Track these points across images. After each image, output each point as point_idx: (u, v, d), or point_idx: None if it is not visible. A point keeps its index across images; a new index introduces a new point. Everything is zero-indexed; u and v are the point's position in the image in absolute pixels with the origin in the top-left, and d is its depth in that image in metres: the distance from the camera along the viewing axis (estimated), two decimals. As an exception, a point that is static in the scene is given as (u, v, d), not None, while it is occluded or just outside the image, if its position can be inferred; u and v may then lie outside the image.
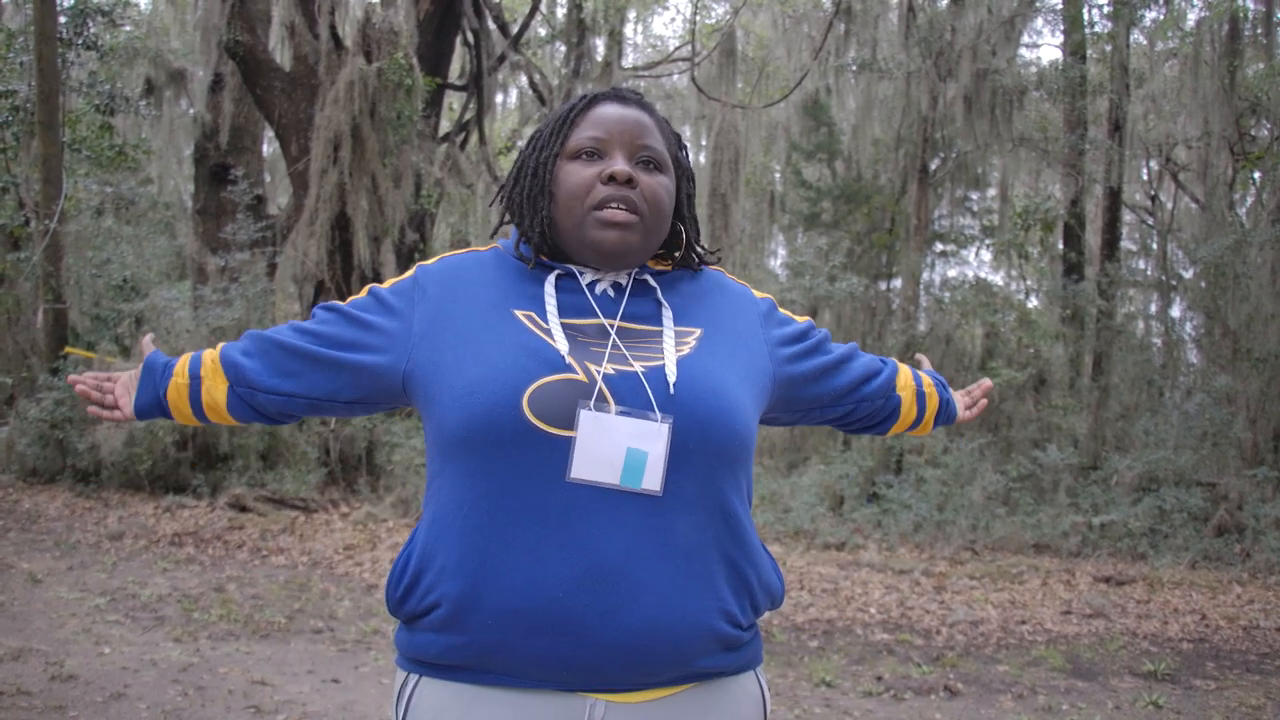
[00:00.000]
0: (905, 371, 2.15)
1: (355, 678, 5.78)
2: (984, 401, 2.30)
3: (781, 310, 1.94)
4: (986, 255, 19.42)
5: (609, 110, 1.76)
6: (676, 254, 1.86)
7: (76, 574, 7.79)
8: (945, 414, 2.21)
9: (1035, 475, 11.52)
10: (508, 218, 1.85)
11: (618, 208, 1.69)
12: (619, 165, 1.70)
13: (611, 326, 1.70)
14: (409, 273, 1.81)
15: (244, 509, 10.14)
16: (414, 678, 1.67)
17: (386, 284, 1.81)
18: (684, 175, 1.85)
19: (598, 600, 1.54)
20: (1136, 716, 5.71)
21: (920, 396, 2.15)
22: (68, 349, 11.50)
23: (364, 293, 1.82)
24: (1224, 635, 7.64)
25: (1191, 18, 14.45)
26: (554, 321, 1.67)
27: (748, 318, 1.84)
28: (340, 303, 1.83)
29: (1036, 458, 11.63)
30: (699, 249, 1.89)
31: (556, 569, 1.54)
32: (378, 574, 8.39)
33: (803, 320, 1.95)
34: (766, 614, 1.79)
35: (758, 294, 1.93)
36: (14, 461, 11.15)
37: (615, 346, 1.67)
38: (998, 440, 12.61)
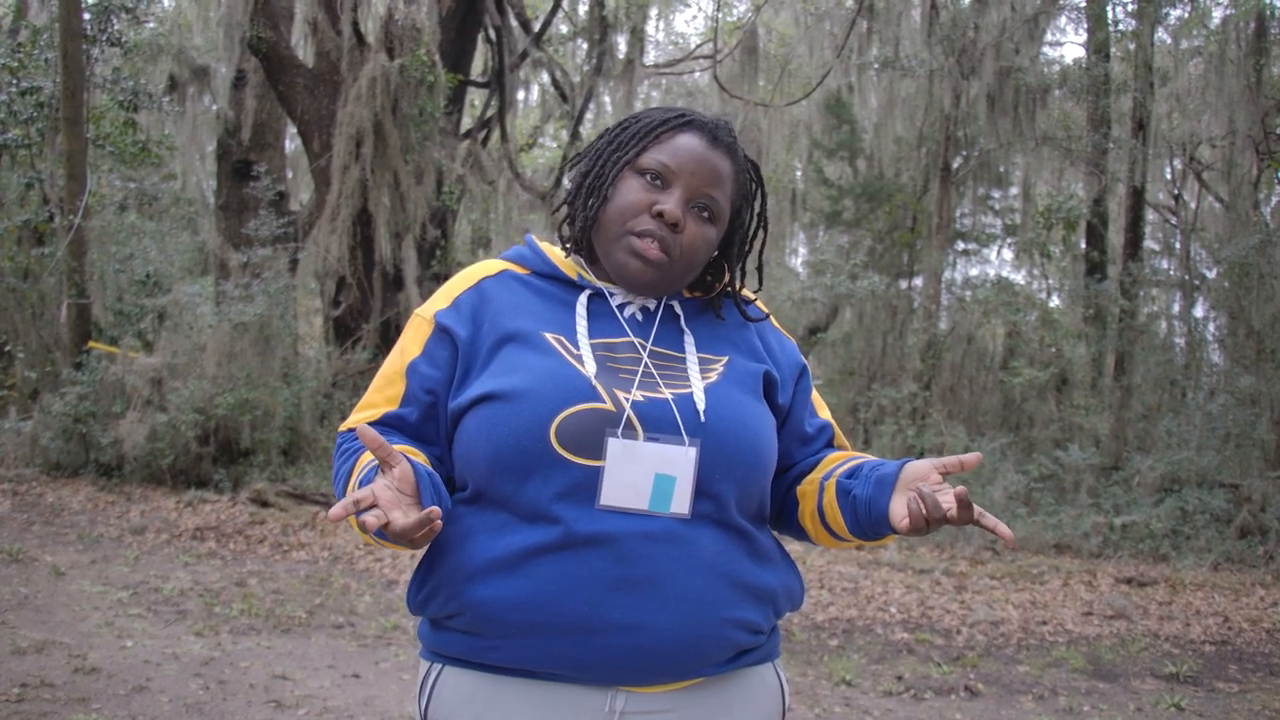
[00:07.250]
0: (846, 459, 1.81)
1: (376, 673, 5.79)
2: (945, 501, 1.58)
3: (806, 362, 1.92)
4: (1008, 254, 19.38)
5: (693, 144, 1.72)
6: (713, 290, 1.85)
7: (99, 567, 7.83)
8: (854, 513, 1.71)
9: (1057, 475, 11.46)
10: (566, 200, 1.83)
11: (652, 242, 1.67)
12: (671, 206, 1.67)
13: (643, 348, 1.70)
14: (427, 328, 1.74)
15: (265, 504, 10.18)
16: (437, 667, 1.69)
17: (416, 349, 1.73)
18: (750, 217, 1.84)
19: (624, 615, 1.56)
20: (1158, 718, 5.68)
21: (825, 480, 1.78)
22: (91, 344, 11.56)
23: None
24: (1247, 638, 7.60)
25: (1217, 15, 14.32)
26: (584, 345, 1.67)
27: (774, 353, 1.84)
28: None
29: (1058, 458, 11.56)
30: (740, 295, 1.86)
31: (583, 586, 1.56)
32: (398, 570, 8.41)
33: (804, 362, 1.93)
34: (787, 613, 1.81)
35: (789, 337, 1.92)
36: (38, 455, 11.23)
37: (646, 372, 1.67)
38: (1019, 440, 12.56)
